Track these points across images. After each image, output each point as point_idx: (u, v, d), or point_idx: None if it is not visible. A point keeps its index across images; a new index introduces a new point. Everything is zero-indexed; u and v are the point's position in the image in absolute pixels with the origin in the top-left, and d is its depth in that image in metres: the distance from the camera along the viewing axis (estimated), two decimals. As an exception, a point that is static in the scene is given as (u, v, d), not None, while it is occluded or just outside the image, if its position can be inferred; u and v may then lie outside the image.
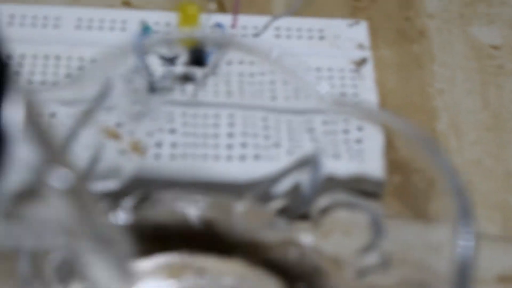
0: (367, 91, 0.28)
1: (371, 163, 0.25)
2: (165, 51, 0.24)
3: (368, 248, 0.24)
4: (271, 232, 0.25)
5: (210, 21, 0.28)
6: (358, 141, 0.25)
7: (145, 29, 0.28)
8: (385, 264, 0.23)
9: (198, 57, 0.25)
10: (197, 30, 0.25)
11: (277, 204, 0.25)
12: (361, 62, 0.29)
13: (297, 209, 0.25)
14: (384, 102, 0.29)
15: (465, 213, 0.21)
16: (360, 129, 0.25)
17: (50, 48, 0.28)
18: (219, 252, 0.25)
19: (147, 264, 0.25)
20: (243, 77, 0.26)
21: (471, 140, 0.29)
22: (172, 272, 0.25)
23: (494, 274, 0.26)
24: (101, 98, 0.23)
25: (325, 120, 0.25)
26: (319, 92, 0.23)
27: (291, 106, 0.26)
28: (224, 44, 0.23)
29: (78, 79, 0.22)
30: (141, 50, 0.22)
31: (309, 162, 0.25)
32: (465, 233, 0.21)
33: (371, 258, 0.23)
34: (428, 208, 0.23)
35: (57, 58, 0.28)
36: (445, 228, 0.22)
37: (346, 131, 0.25)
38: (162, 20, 0.29)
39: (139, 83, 0.24)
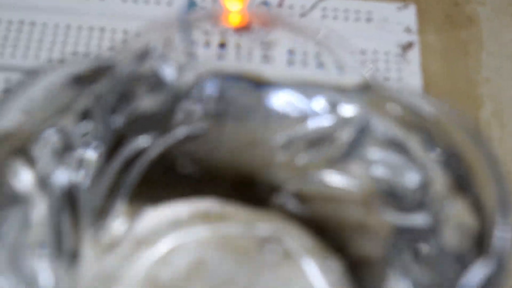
0: (412, 75, 0.28)
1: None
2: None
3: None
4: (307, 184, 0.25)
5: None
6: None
7: (191, 4, 0.28)
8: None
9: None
10: (243, 7, 0.25)
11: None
12: (408, 46, 0.29)
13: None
14: (428, 87, 0.29)
15: (503, 204, 0.21)
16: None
17: (95, 20, 0.28)
18: (256, 202, 0.25)
19: (184, 208, 0.25)
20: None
21: (515, 130, 0.29)
22: (208, 218, 0.25)
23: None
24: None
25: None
26: (363, 75, 0.23)
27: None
28: (270, 22, 0.23)
29: (119, 52, 0.22)
30: (186, 24, 0.22)
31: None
32: (503, 224, 0.21)
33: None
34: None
35: (102, 30, 0.28)
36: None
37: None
38: (209, -5, 0.29)
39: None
